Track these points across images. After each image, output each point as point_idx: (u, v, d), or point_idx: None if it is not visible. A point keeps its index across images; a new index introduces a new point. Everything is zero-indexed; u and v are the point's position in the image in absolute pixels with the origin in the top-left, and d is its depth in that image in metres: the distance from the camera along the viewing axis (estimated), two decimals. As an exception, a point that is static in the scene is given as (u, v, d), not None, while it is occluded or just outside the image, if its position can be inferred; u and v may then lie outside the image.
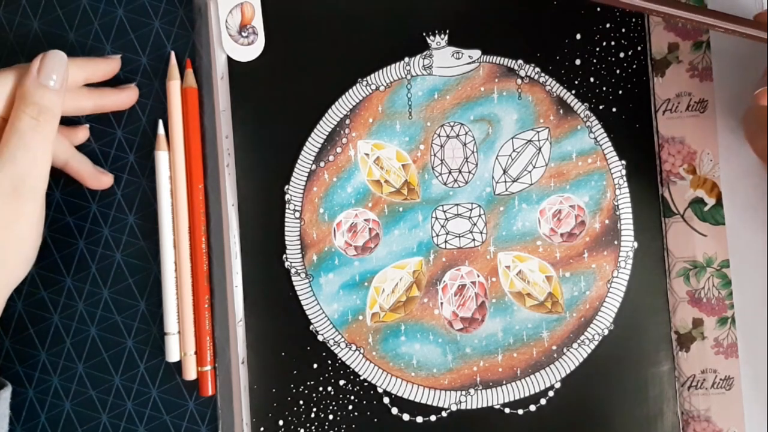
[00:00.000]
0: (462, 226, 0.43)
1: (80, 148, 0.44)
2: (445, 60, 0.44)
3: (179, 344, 0.43)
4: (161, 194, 0.44)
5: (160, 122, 0.44)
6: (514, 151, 0.43)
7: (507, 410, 0.43)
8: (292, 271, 0.43)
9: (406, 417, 0.43)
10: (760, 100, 0.37)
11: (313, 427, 0.43)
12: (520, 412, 0.43)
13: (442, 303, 0.43)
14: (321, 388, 0.43)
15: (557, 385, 0.42)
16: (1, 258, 0.38)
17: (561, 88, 0.43)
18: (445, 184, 0.44)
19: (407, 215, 0.44)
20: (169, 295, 0.43)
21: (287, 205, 0.44)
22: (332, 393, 0.43)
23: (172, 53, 0.45)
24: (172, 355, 0.43)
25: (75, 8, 0.45)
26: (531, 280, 0.43)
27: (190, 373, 0.43)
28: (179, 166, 0.44)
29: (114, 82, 0.44)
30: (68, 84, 0.40)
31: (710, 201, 0.43)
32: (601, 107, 0.43)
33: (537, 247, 0.43)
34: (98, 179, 0.44)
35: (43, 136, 0.38)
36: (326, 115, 0.44)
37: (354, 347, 0.43)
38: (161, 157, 0.44)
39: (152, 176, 0.44)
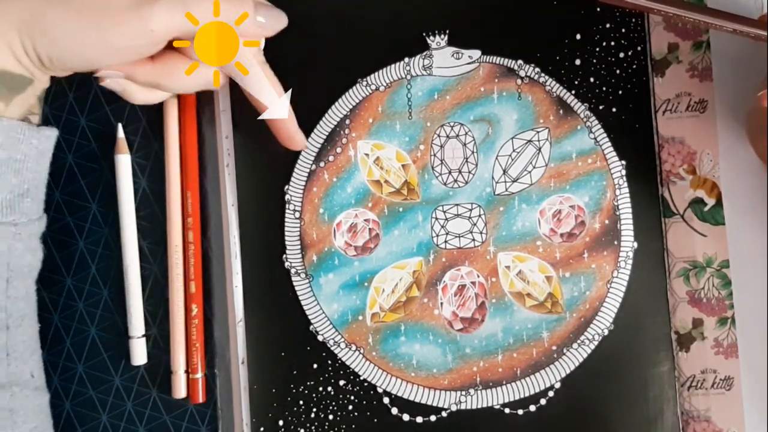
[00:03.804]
0: (462, 226, 0.43)
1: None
2: (445, 60, 0.43)
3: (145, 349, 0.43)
4: (123, 197, 0.44)
5: (120, 125, 0.44)
6: (514, 151, 0.43)
7: (507, 410, 0.43)
8: (292, 271, 0.43)
9: (406, 417, 0.43)
10: (762, 102, 0.37)
11: (313, 427, 0.43)
12: (520, 412, 0.43)
13: (442, 303, 0.43)
14: (321, 388, 0.43)
15: (557, 386, 0.42)
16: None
17: (561, 88, 0.43)
18: (445, 184, 0.43)
19: (407, 215, 0.44)
20: (135, 295, 0.43)
21: (287, 206, 0.44)
22: (332, 393, 0.43)
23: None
24: (139, 358, 0.43)
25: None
26: (531, 281, 0.43)
27: (180, 392, 0.43)
28: (173, 167, 0.43)
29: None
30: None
31: (710, 201, 0.43)
32: (601, 107, 0.43)
33: (537, 248, 0.43)
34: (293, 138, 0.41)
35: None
36: (326, 115, 0.44)
37: (354, 347, 0.43)
38: (122, 160, 0.43)
39: (152, 176, 0.44)
